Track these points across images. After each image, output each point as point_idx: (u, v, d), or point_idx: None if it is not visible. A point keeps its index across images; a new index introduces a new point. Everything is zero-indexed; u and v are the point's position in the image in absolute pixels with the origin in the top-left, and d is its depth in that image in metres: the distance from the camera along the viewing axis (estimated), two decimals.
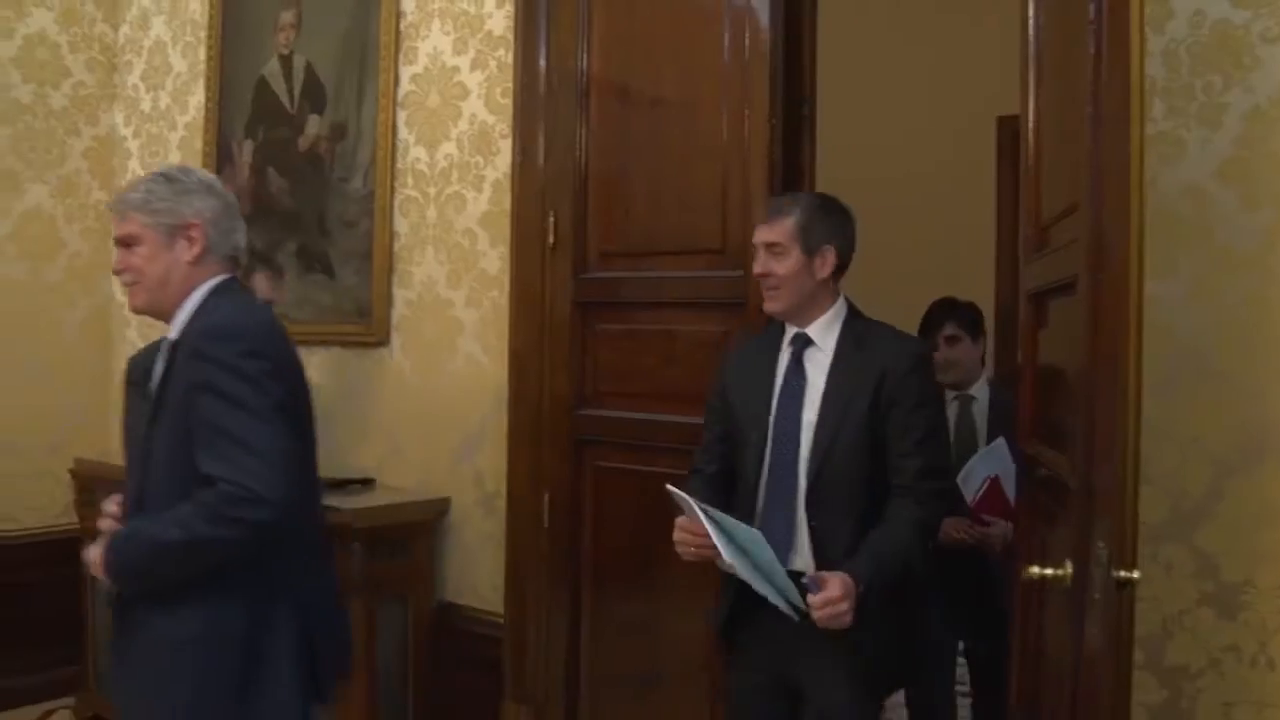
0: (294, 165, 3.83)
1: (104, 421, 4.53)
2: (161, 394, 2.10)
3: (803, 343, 2.36)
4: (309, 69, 3.81)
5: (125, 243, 2.14)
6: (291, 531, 2.02)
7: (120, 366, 4.51)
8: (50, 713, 4.23)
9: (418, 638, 3.34)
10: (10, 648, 4.25)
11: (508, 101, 3.23)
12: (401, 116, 3.52)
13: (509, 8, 3.26)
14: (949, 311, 3.28)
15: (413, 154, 3.48)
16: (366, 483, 3.49)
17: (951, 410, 3.15)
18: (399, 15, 3.54)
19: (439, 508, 3.39)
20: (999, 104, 4.46)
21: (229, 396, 1.97)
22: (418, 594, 3.36)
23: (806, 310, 2.37)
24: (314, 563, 2.20)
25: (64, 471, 4.28)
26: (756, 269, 2.38)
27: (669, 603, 2.87)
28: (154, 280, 2.13)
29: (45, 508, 4.40)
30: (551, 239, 3.08)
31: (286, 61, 3.89)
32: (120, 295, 4.49)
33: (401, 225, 3.50)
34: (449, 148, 3.40)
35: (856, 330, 2.36)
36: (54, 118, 4.43)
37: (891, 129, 4.86)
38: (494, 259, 3.31)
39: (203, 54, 4.21)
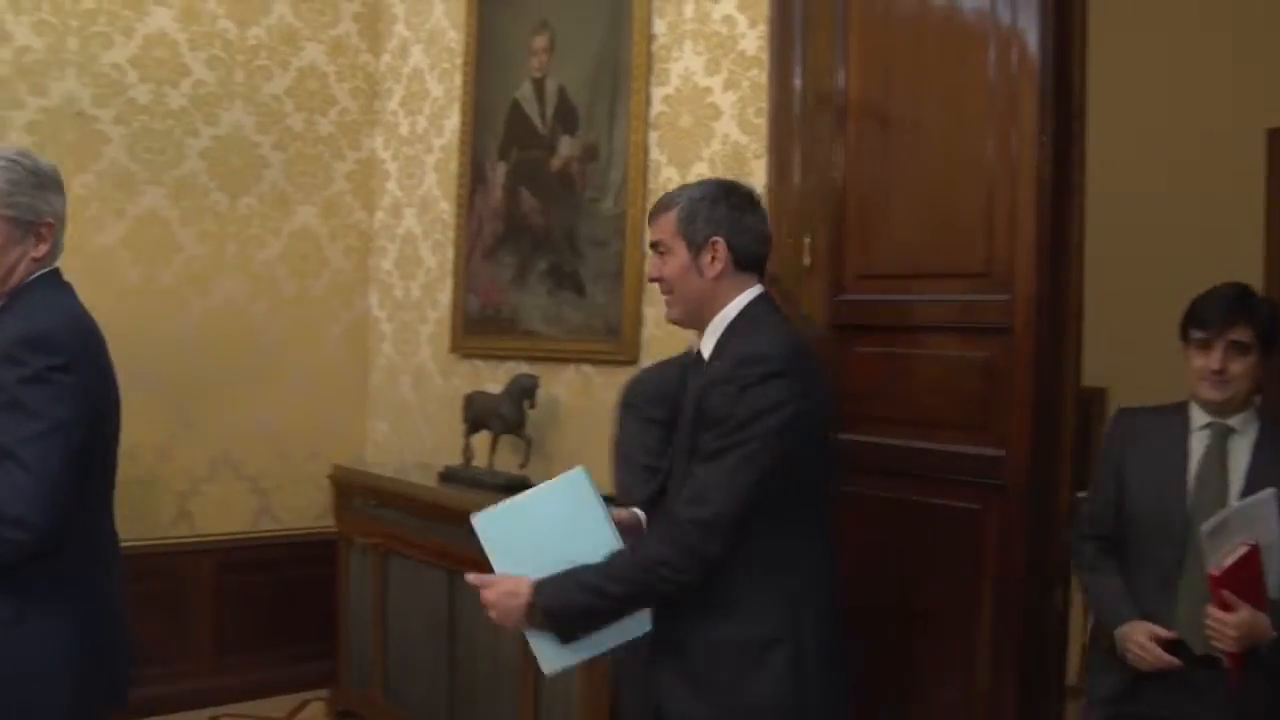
0: (546, 186, 3.93)
1: (360, 430, 4.78)
2: None
3: (696, 359, 2.13)
4: (561, 92, 3.90)
5: None
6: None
7: (376, 379, 4.77)
8: (305, 704, 4.47)
9: None
10: (269, 641, 4.55)
11: (761, 121, 3.22)
12: (653, 137, 3.56)
13: (762, 28, 3.25)
14: (1242, 307, 2.33)
15: (664, 174, 3.52)
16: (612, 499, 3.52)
17: (1198, 443, 2.38)
18: (650, 38, 3.59)
19: None
20: (1268, 116, 4.28)
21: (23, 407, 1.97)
22: None
23: (702, 315, 2.12)
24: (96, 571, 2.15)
25: (323, 477, 4.53)
26: (650, 272, 2.19)
27: (930, 642, 2.79)
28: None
29: (305, 509, 4.67)
30: (807, 260, 3.05)
31: (539, 85, 4.00)
32: (377, 309, 4.74)
33: None
34: (701, 168, 3.41)
35: (732, 333, 2.08)
36: (321, 143, 4.71)
37: (1158, 142, 4.62)
38: None
39: (458, 80, 4.39)
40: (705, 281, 2.10)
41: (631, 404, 2.73)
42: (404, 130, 4.70)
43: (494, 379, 4.06)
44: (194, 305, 4.43)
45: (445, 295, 4.41)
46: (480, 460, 3.85)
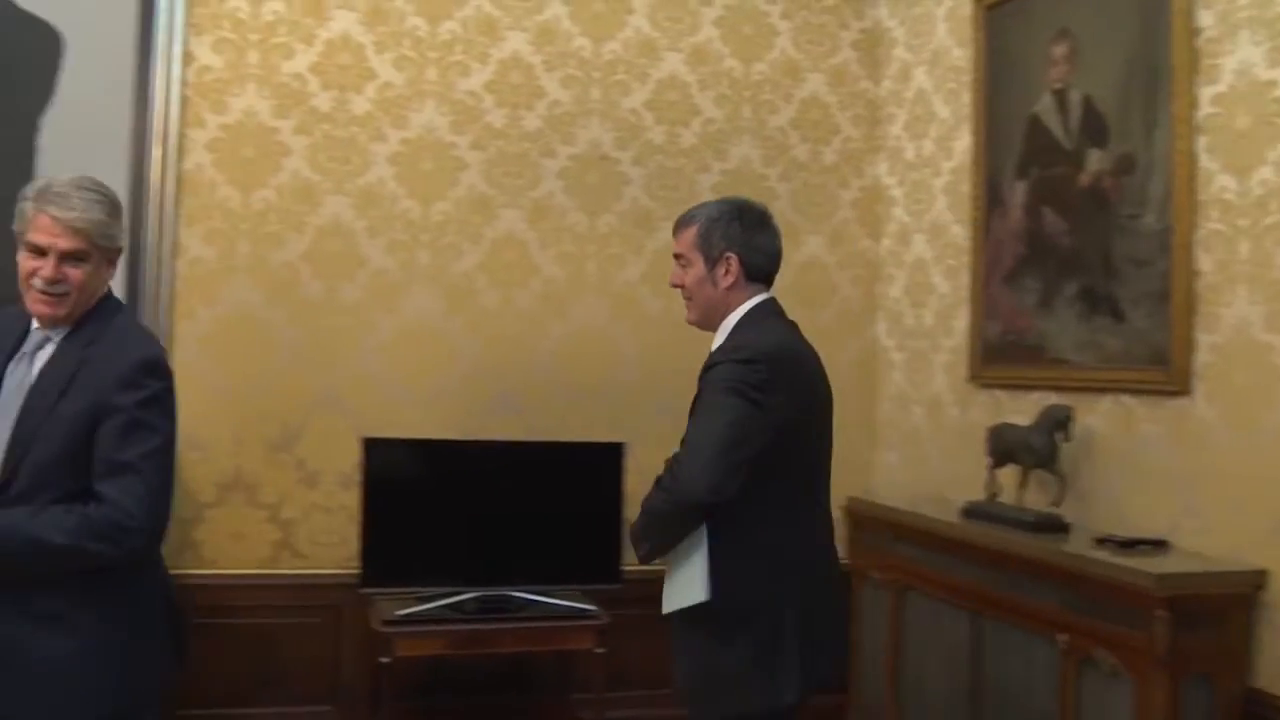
0: (1073, 204, 3.66)
1: (868, 460, 4.72)
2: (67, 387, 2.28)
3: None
4: (1086, 102, 3.62)
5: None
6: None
7: (885, 408, 4.69)
8: None
9: None
10: None
11: None
12: (1201, 143, 3.19)
13: None
14: None
15: (1218, 183, 3.13)
16: (1159, 544, 3.19)
17: None
18: (1194, 32, 3.22)
19: (1254, 581, 2.99)
20: None
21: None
22: (1226, 676, 2.98)
23: (714, 319, 2.48)
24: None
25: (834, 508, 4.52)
26: (670, 280, 2.55)
27: None
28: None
29: None
30: None
31: (1060, 96, 3.74)
32: (885, 338, 4.66)
33: (1205, 263, 3.17)
34: (1265, 173, 3.01)
35: (735, 334, 2.46)
36: (826, 173, 4.73)
37: None
38: None
39: (967, 99, 4.22)
40: (719, 291, 2.47)
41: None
42: (909, 155, 4.60)
43: (1017, 410, 3.83)
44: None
45: (960, 322, 4.24)
46: (1007, 496, 3.64)
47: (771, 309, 2.51)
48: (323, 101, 4.21)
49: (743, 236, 2.47)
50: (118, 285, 3.92)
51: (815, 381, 2.54)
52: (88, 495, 2.24)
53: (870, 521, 4.15)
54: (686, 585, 2.42)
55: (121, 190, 3.93)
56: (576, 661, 4.23)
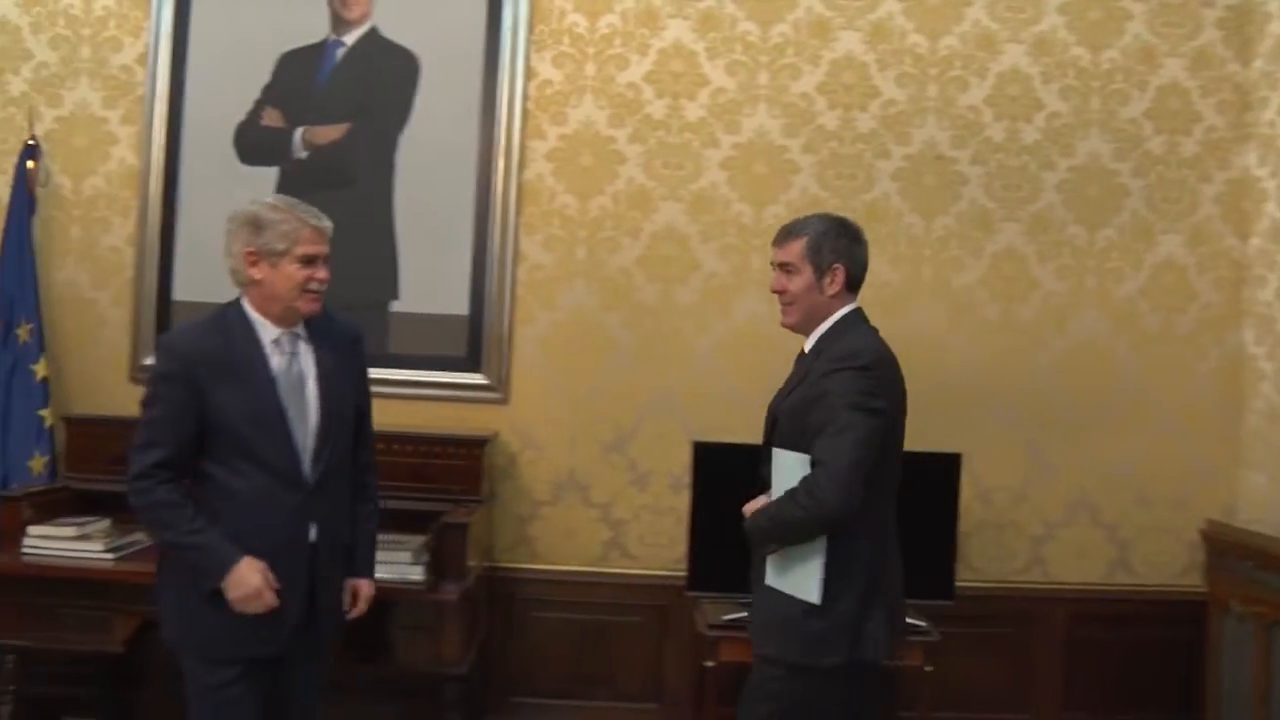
0: None
1: (1230, 480, 4.29)
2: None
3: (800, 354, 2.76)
4: None
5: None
6: None
7: (1252, 423, 4.25)
8: None
9: None
10: (1119, 702, 4.29)
11: None
12: None
13: None
14: None
15: None
16: None
17: None
18: None
19: None
20: None
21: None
22: None
23: (813, 323, 2.68)
24: None
25: (1188, 530, 4.17)
26: (772, 286, 2.73)
27: None
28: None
29: (1166, 565, 4.31)
30: None
31: None
32: (1253, 345, 4.24)
33: None
34: None
35: (830, 337, 2.66)
36: (1185, 166, 4.35)
37: None
38: None
39: None
40: (824, 298, 2.68)
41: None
42: None
43: None
44: (1053, 343, 4.33)
45: None
46: None
47: (861, 316, 2.73)
48: (657, 109, 4.28)
49: (848, 249, 2.69)
50: (462, 290, 4.26)
51: (902, 385, 2.73)
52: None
53: (1232, 548, 3.80)
54: (801, 580, 2.61)
55: (468, 200, 4.20)
56: (903, 678, 4.08)
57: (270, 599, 2.63)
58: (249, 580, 2.60)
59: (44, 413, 4.18)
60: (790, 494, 2.54)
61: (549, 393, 4.25)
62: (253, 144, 4.34)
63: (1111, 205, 4.34)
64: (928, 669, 3.79)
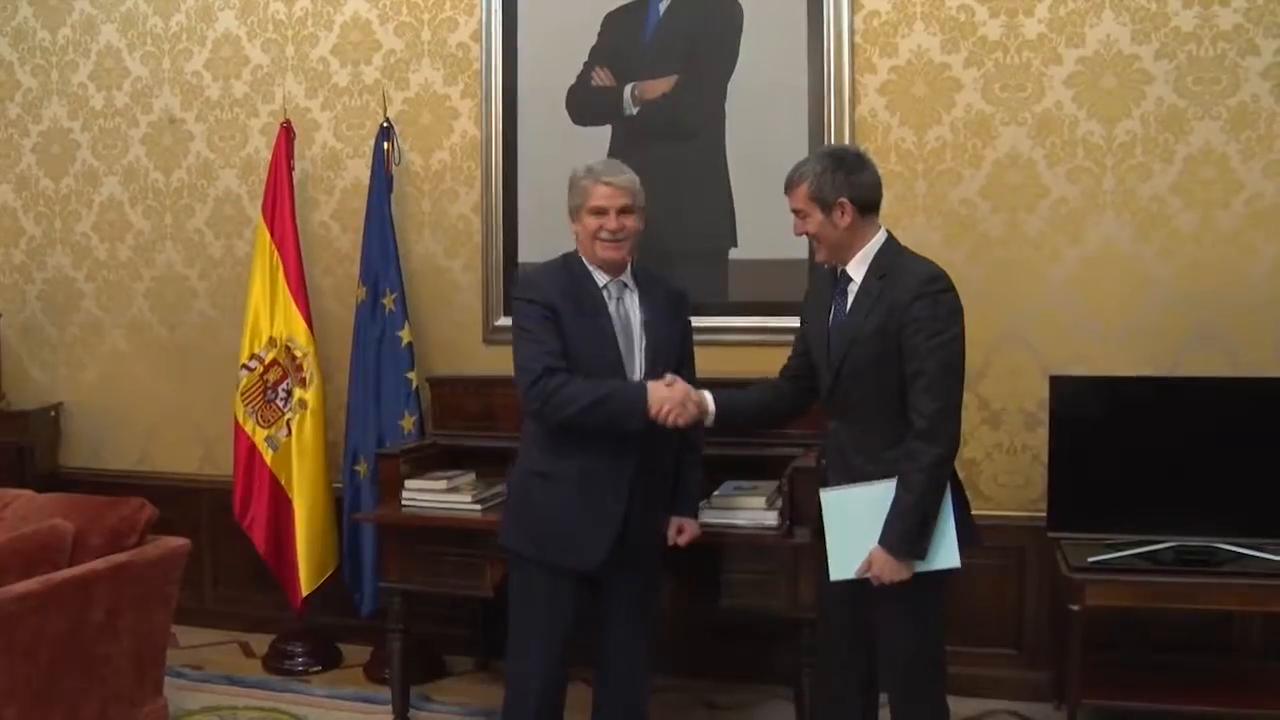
0: None
1: None
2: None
3: (845, 279, 2.90)
4: None
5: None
6: None
7: None
8: None
9: None
10: None
11: None
12: None
13: None
14: None
15: None
16: None
17: None
18: None
19: None
20: None
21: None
22: None
23: (845, 253, 2.88)
24: None
25: None
26: (794, 230, 2.94)
27: None
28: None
29: None
30: None
31: None
32: None
33: None
34: None
35: (883, 262, 2.84)
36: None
37: None
38: None
39: None
40: (840, 231, 2.84)
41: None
42: None
43: None
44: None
45: None
46: None
47: (896, 241, 2.91)
48: (992, 29, 4.06)
49: (847, 181, 2.81)
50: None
51: None
52: None
53: None
54: (940, 553, 2.80)
55: (801, 142, 4.14)
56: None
57: (693, 408, 2.95)
58: (666, 395, 2.91)
59: (410, 375, 4.47)
60: (903, 480, 2.74)
61: None
62: (584, 105, 4.46)
63: None
64: None
